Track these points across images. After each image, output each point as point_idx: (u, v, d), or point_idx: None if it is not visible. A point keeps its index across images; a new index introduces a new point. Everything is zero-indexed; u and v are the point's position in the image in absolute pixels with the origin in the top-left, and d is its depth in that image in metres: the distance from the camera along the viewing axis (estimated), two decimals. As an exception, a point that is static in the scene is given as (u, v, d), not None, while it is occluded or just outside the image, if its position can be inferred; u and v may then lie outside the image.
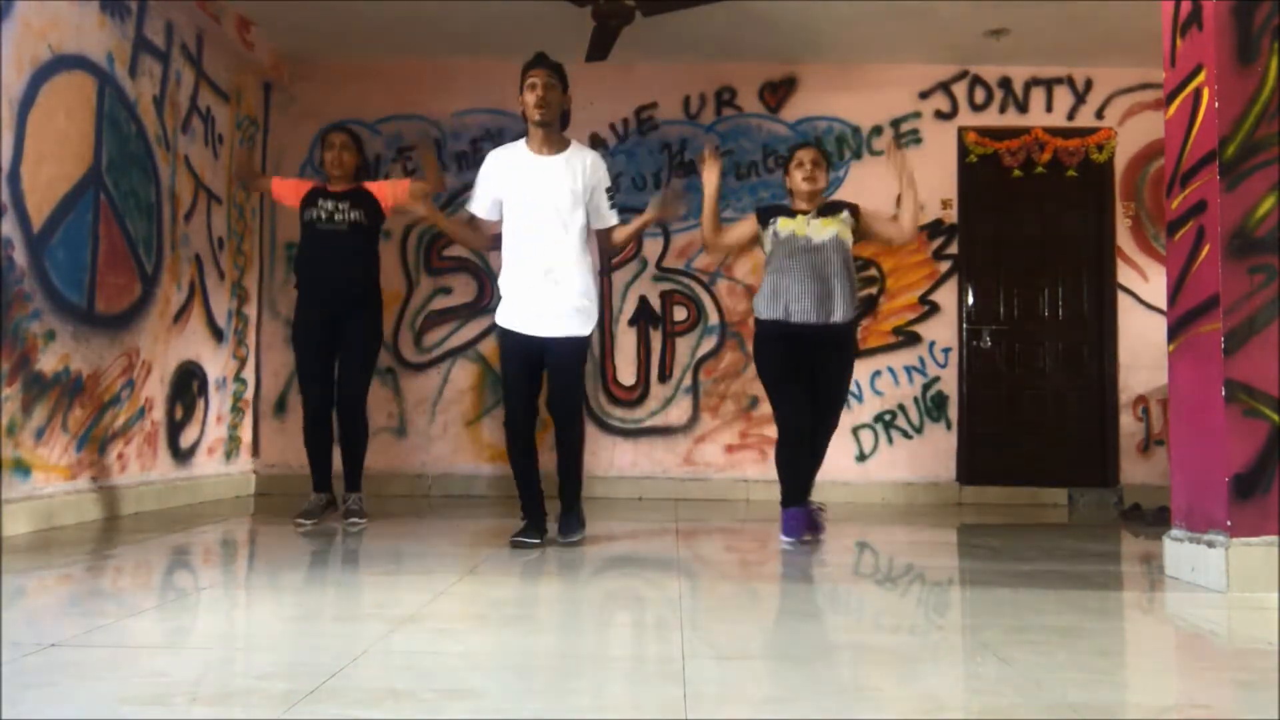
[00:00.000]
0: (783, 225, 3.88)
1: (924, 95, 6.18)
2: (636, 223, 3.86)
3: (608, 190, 3.75)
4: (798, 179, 3.96)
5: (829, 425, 3.97)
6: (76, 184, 4.19)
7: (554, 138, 3.71)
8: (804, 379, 3.85)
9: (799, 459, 3.84)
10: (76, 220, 4.20)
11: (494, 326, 3.96)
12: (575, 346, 3.70)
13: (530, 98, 3.62)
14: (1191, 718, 1.74)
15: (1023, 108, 6.18)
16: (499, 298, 3.76)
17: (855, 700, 1.75)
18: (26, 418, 3.88)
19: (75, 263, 4.20)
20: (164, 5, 4.91)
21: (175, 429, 5.11)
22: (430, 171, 4.50)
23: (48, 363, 4.01)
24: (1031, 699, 1.73)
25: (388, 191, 4.36)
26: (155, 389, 4.88)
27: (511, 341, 3.72)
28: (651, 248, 6.12)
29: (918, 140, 6.15)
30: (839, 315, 3.82)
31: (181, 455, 5.18)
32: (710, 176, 3.95)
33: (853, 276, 3.90)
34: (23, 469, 3.86)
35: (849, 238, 3.91)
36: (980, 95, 6.18)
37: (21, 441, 3.85)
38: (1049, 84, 6.18)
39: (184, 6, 5.03)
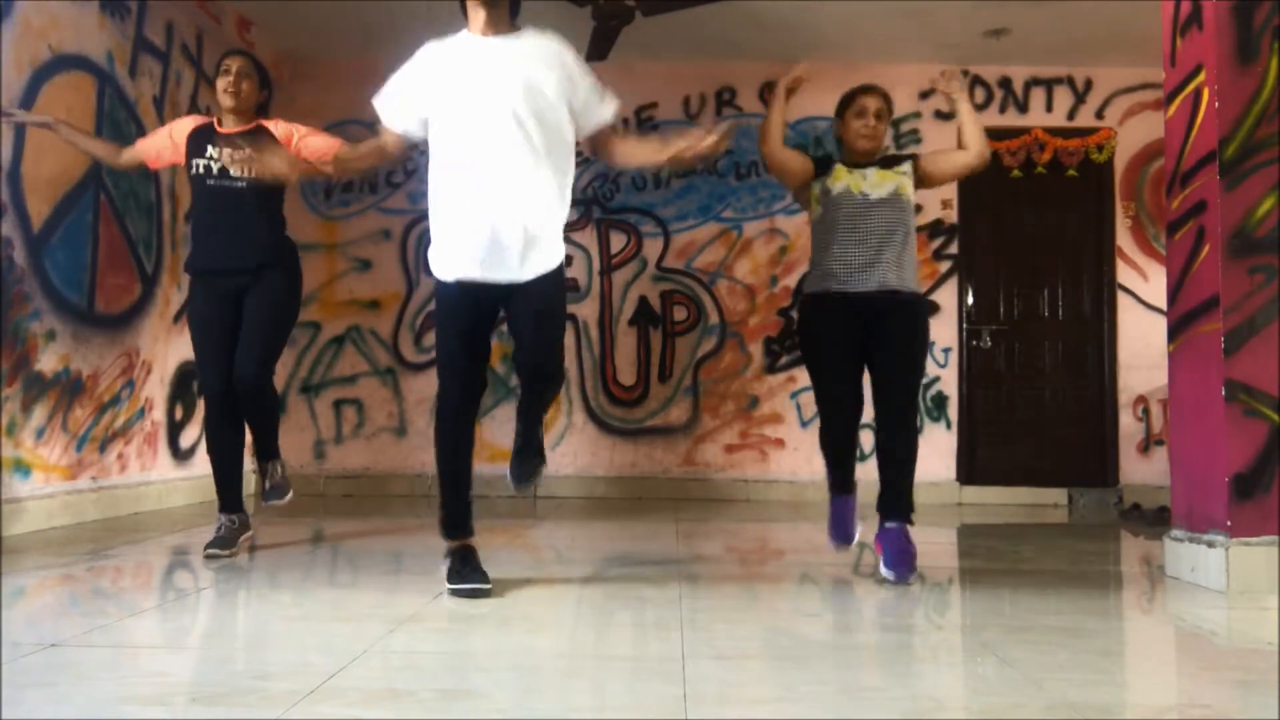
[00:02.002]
0: (835, 179, 3.21)
1: (924, 95, 6.18)
2: (677, 145, 2.72)
3: (592, 83, 2.79)
4: (856, 129, 3.27)
5: (898, 419, 3.21)
6: (76, 184, 4.19)
7: (502, 20, 2.80)
8: (856, 363, 3.22)
9: (842, 450, 3.39)
10: (76, 220, 4.20)
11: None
12: (551, 284, 2.78)
13: None
14: (1191, 718, 1.74)
15: (1022, 108, 6.18)
16: (428, 241, 2.86)
17: (855, 700, 1.75)
18: (26, 418, 3.88)
19: (75, 263, 4.20)
20: (164, 5, 4.91)
21: (175, 429, 5.11)
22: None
23: (48, 363, 4.01)
24: (1031, 699, 1.73)
25: (303, 144, 3.47)
26: (155, 389, 4.88)
27: (453, 297, 2.76)
28: (651, 248, 6.11)
29: (918, 140, 6.15)
30: (902, 287, 3.16)
31: (181, 455, 5.18)
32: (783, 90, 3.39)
33: (913, 246, 3.24)
34: (23, 469, 3.86)
35: (911, 193, 3.25)
36: (980, 95, 6.18)
37: (21, 441, 3.85)
38: (1049, 84, 6.18)
39: (184, 6, 5.03)
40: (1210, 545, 2.89)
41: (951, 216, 6.12)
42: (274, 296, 3.51)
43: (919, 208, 6.16)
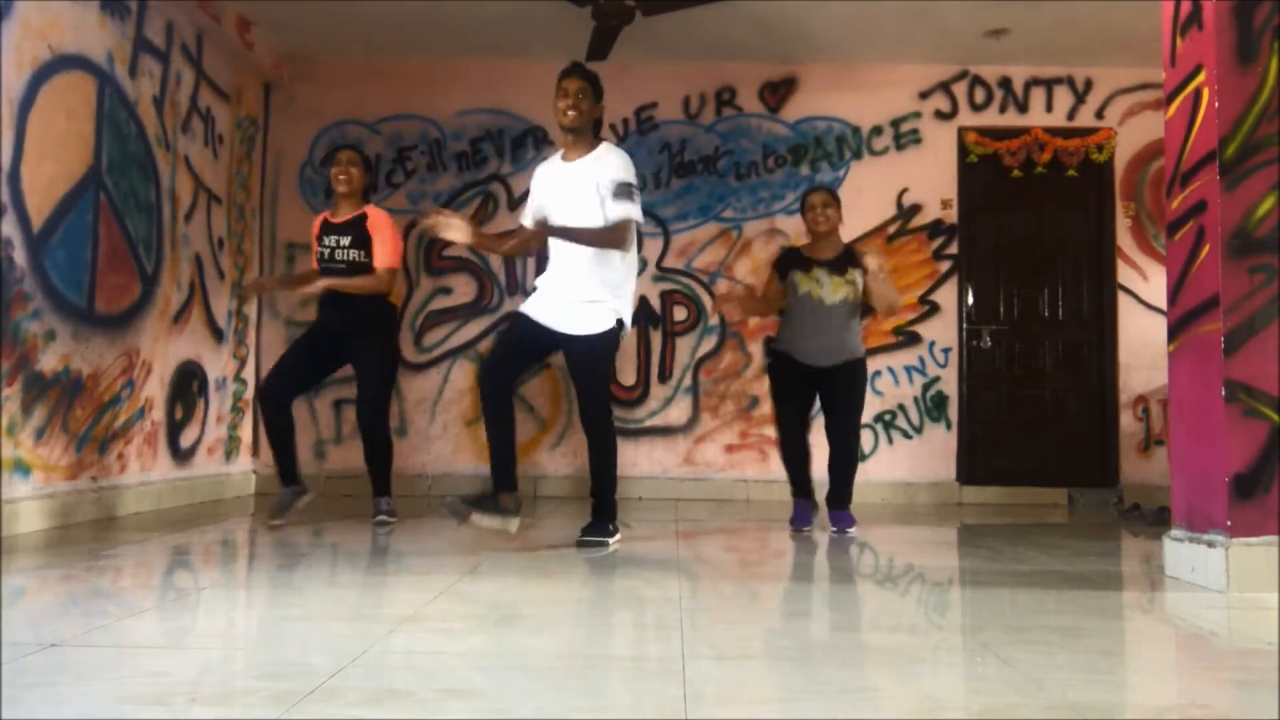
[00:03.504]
0: (800, 283, 4.27)
1: (924, 95, 6.18)
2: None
3: (613, 182, 3.59)
4: (810, 221, 4.35)
5: (844, 449, 4.34)
6: (76, 184, 4.19)
7: (583, 143, 3.72)
8: (809, 403, 4.41)
9: (798, 456, 4.38)
10: (76, 220, 4.20)
11: (493, 327, 3.95)
12: (590, 345, 3.61)
13: (561, 104, 3.68)
14: (1191, 718, 1.74)
15: (1023, 108, 6.18)
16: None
17: (855, 700, 1.75)
18: (26, 418, 3.88)
19: (75, 263, 4.20)
20: (164, 5, 4.91)
21: (175, 429, 5.11)
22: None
23: (48, 363, 4.01)
24: (1031, 699, 1.73)
25: (382, 251, 4.28)
26: (155, 389, 4.88)
27: (517, 319, 3.70)
28: (651, 248, 6.12)
29: (918, 140, 6.15)
30: (847, 357, 4.31)
31: (181, 455, 5.18)
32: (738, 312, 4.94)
33: (858, 322, 4.39)
34: (23, 469, 3.86)
35: (857, 298, 4.31)
36: (980, 95, 6.18)
37: (21, 441, 3.85)
38: (1049, 84, 6.18)
39: (184, 6, 5.03)
40: (1210, 545, 2.89)
41: (951, 216, 6.12)
42: (382, 358, 4.47)
43: (919, 207, 6.22)
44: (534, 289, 3.78)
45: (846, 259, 4.32)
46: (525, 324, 3.66)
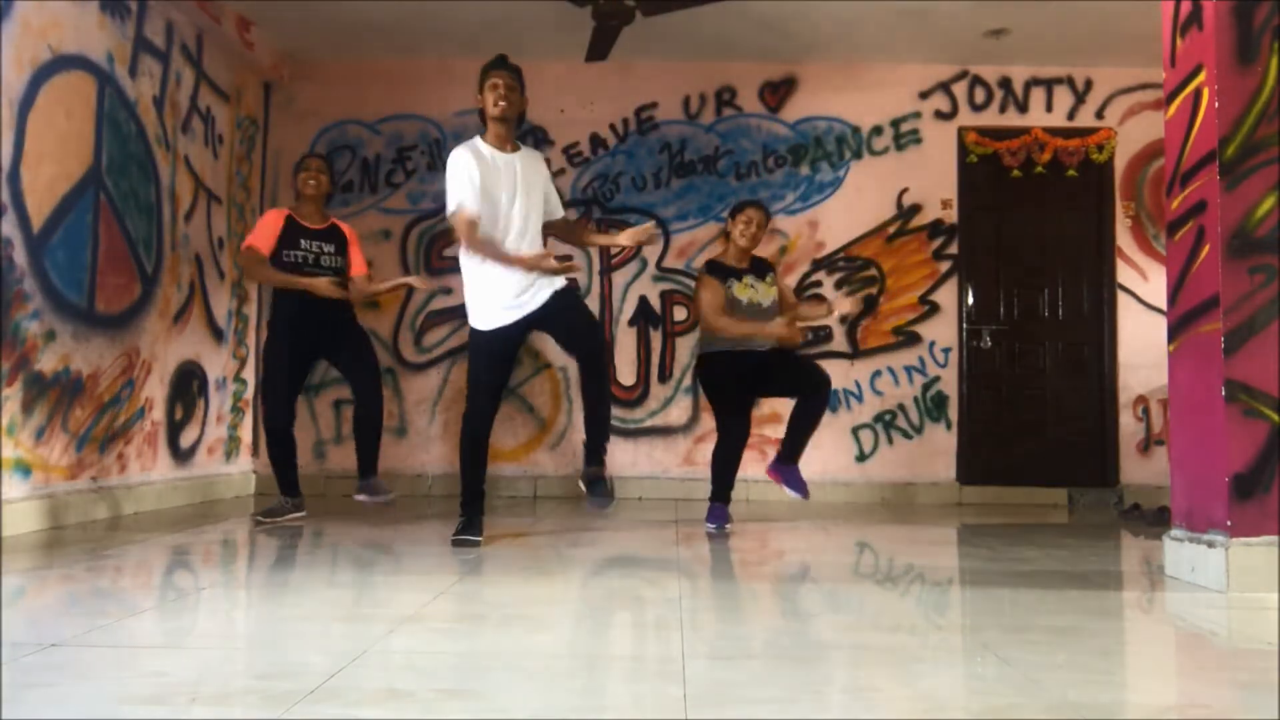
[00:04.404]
0: (739, 291, 4.41)
1: (924, 95, 6.18)
2: (611, 240, 4.04)
3: (550, 178, 3.91)
4: (740, 233, 4.43)
5: (820, 400, 4.36)
6: (76, 184, 4.19)
7: (510, 134, 3.79)
8: (750, 400, 4.51)
9: (728, 470, 4.46)
10: (76, 220, 4.20)
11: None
12: (571, 292, 3.78)
13: (492, 96, 3.70)
14: (1191, 718, 1.74)
15: (1023, 108, 6.18)
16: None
17: (855, 700, 1.75)
18: (26, 418, 3.88)
19: (75, 263, 4.20)
20: (164, 5, 4.91)
21: (175, 429, 5.11)
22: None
23: (48, 363, 4.01)
24: (1031, 699, 1.73)
25: (358, 260, 4.57)
26: (155, 389, 4.88)
27: (489, 341, 3.70)
28: (651, 247, 6.11)
29: (918, 140, 6.15)
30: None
31: (181, 455, 5.18)
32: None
33: None
34: (23, 469, 3.86)
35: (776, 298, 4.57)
36: (980, 95, 6.18)
37: (21, 441, 3.85)
38: (1049, 84, 6.18)
39: (184, 6, 5.03)
40: (1210, 545, 2.89)
41: (951, 216, 6.12)
42: (370, 345, 4.60)
43: (919, 207, 6.22)
44: (474, 304, 3.74)
45: (761, 266, 4.53)
46: (508, 340, 3.71)
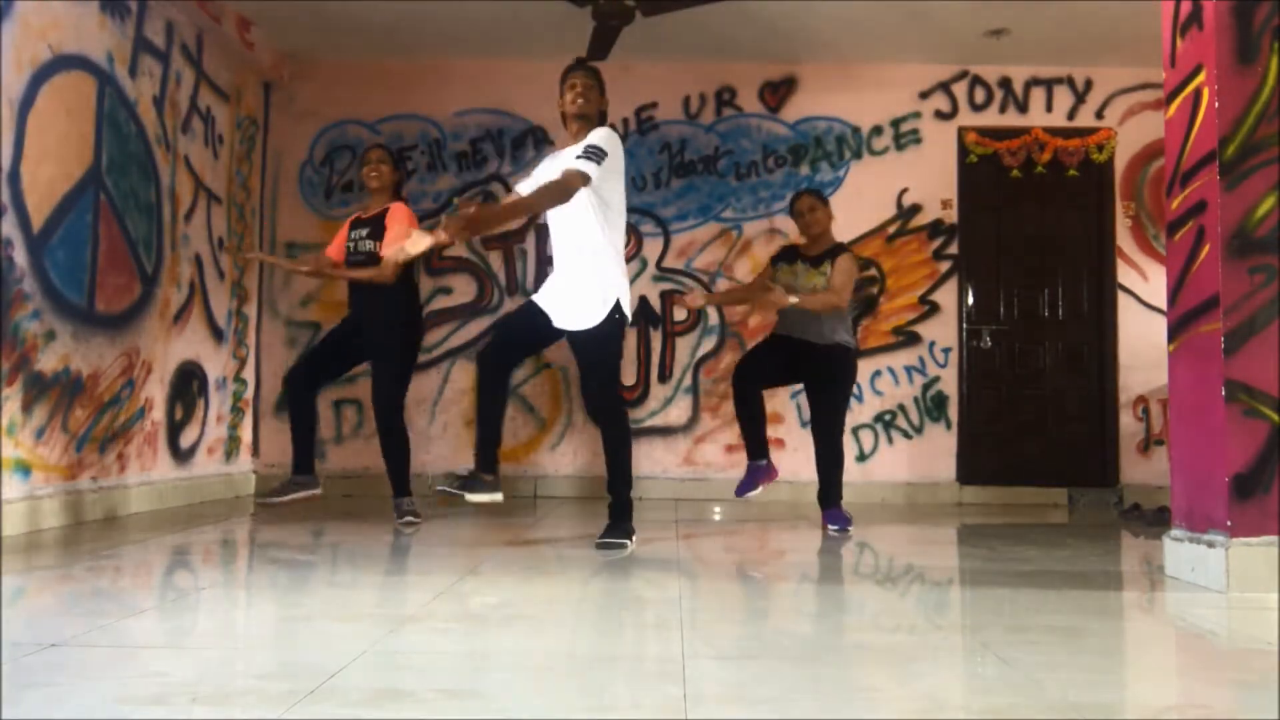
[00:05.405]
0: (781, 273, 4.52)
1: (924, 95, 6.18)
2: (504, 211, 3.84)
3: (583, 145, 3.58)
4: (802, 227, 4.56)
5: (827, 441, 4.46)
6: (76, 184, 4.19)
7: (584, 131, 3.73)
8: (778, 365, 4.51)
9: (755, 406, 4.50)
10: (76, 220, 4.20)
11: (493, 327, 3.95)
12: (588, 336, 3.61)
13: (570, 95, 3.76)
14: (1191, 718, 1.74)
15: (1023, 108, 6.18)
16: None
17: (855, 700, 1.75)
18: (26, 418, 3.88)
19: (75, 263, 4.20)
20: (164, 5, 4.91)
21: (175, 429, 5.11)
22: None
23: (48, 363, 4.01)
24: (1031, 699, 1.73)
25: (391, 236, 4.26)
26: (155, 389, 4.88)
27: (527, 306, 3.75)
28: (651, 248, 6.12)
29: (918, 140, 6.15)
30: (826, 338, 4.39)
31: (181, 455, 5.18)
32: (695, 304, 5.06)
33: (838, 313, 4.42)
34: (23, 469, 3.86)
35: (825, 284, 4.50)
36: (980, 95, 6.18)
37: (21, 441, 3.85)
38: (1049, 84, 6.18)
39: (184, 6, 5.03)
40: (1210, 545, 2.89)
41: (951, 216, 6.12)
42: (396, 347, 4.41)
43: (919, 207, 6.22)
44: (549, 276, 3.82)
45: (828, 254, 4.47)
46: (533, 311, 3.69)
